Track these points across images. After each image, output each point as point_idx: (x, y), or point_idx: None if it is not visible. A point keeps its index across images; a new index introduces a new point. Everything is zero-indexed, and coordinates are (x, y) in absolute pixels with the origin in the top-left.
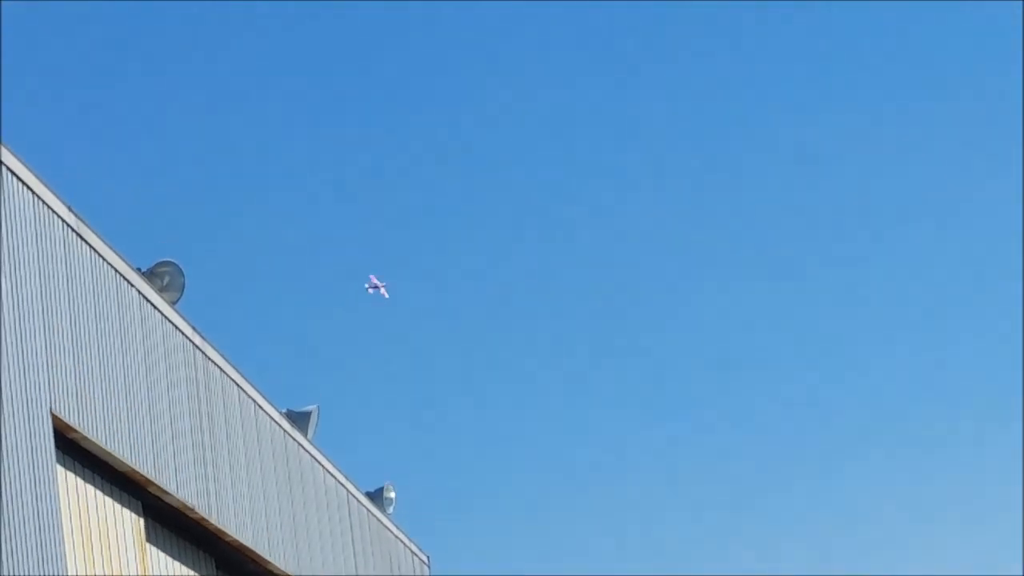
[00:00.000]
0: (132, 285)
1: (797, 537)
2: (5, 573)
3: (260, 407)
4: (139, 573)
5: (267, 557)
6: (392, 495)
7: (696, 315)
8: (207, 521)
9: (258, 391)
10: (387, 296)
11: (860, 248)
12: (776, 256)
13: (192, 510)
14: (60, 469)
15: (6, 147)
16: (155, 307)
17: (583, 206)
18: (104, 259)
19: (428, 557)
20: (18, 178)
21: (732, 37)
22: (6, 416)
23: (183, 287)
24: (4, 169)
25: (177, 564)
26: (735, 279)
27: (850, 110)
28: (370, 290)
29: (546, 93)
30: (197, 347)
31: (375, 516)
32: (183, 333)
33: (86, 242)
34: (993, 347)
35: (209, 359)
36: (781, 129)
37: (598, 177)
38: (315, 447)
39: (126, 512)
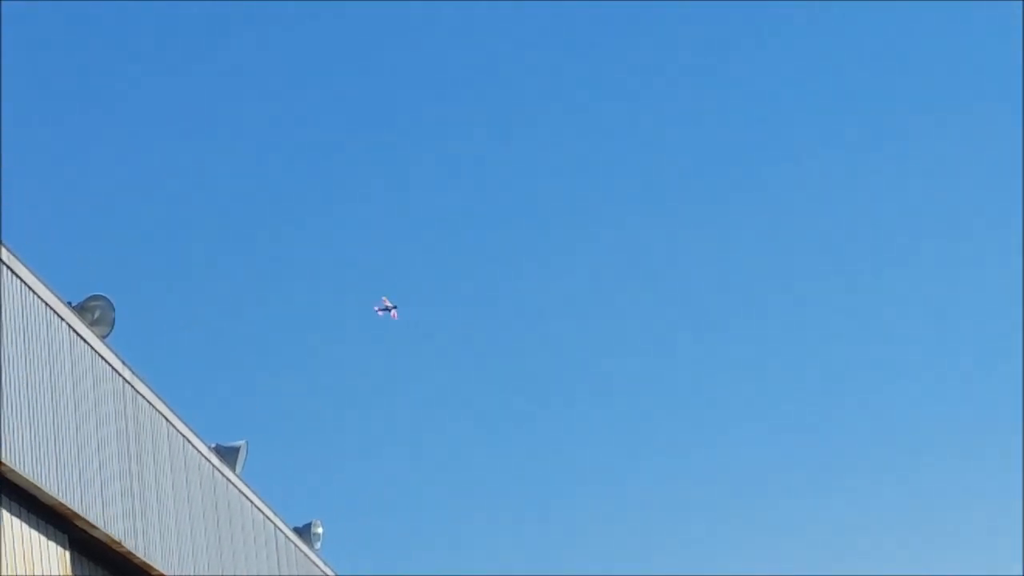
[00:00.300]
0: (62, 319)
1: (797, 537)
2: None
3: (189, 441)
4: None
5: None
6: (320, 531)
7: (697, 320)
8: (133, 555)
9: (187, 425)
10: (396, 318)
11: (864, 255)
12: (779, 262)
13: (119, 544)
14: None
15: None
16: (85, 341)
17: (564, 213)
18: (34, 292)
19: None
20: None
21: (731, 40)
22: None
23: (113, 321)
24: None
25: None
26: (737, 283)
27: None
28: (379, 312)
29: (542, 104)
30: (127, 381)
31: (302, 551)
32: (112, 367)
33: (17, 275)
34: (993, 348)
35: (138, 393)
36: (793, 134)
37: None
38: (243, 482)
39: (52, 545)
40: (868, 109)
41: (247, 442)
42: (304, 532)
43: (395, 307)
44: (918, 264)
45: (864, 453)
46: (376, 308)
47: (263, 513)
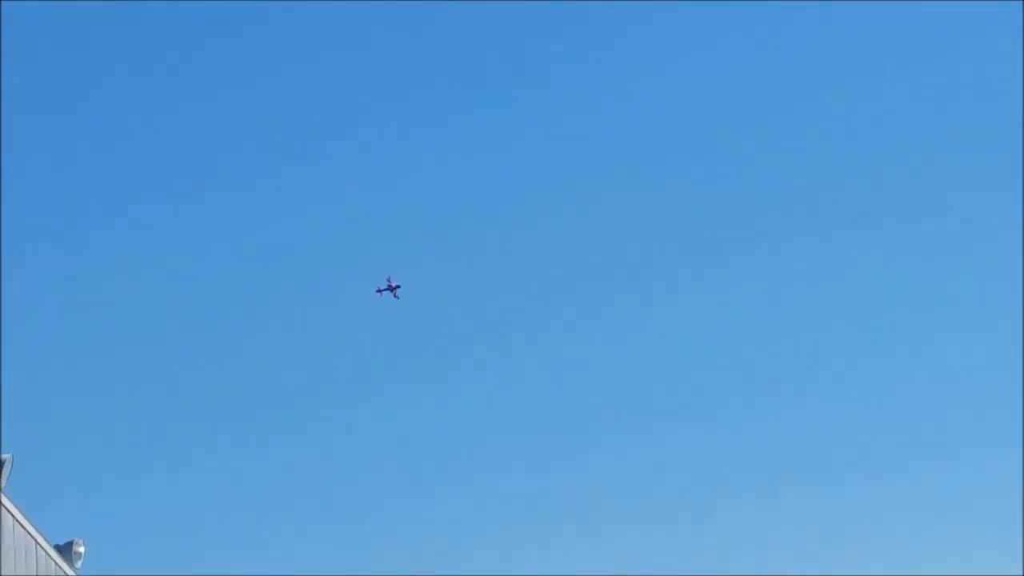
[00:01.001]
0: None
1: (797, 537)
2: None
3: None
4: None
5: None
6: (81, 550)
7: (695, 317)
8: None
9: None
10: (397, 297)
11: (863, 251)
12: (778, 261)
13: None
14: None
15: None
16: None
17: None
18: None
19: None
20: None
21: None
22: None
23: None
24: None
25: None
26: (735, 281)
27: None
28: (380, 293)
29: (531, 92)
30: None
31: (63, 570)
32: None
33: None
34: (993, 348)
35: None
36: (782, 122)
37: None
38: (7, 497)
39: None
40: (871, 107)
41: (12, 456)
42: (65, 550)
43: (399, 286)
44: (918, 263)
45: (864, 454)
46: (378, 289)
47: (25, 529)
